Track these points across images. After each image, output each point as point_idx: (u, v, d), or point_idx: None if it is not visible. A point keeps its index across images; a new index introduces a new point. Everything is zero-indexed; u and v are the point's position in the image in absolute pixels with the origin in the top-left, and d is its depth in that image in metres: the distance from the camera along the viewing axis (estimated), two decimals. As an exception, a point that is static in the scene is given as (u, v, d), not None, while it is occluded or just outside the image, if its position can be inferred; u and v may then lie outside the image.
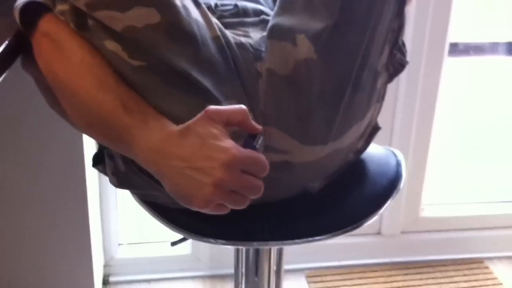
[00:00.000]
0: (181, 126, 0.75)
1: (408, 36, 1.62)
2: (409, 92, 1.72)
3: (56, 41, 0.80)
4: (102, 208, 1.73)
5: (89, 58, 0.79)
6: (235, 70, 0.84)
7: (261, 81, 0.84)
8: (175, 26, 0.79)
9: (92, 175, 1.57)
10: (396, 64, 0.94)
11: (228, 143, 0.73)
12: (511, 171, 2.23)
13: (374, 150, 1.05)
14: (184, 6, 0.80)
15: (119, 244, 1.83)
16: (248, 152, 0.73)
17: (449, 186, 2.23)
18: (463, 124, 2.74)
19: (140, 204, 0.97)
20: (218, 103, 0.80)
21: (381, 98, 0.96)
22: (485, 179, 2.26)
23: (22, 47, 0.84)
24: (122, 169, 0.90)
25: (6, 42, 0.81)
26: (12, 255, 1.59)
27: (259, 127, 0.76)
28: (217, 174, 0.71)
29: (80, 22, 0.79)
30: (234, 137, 0.75)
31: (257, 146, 0.76)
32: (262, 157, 0.74)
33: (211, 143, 0.72)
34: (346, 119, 0.88)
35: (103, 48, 0.79)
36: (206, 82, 0.81)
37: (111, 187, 0.93)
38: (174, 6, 0.79)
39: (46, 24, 0.82)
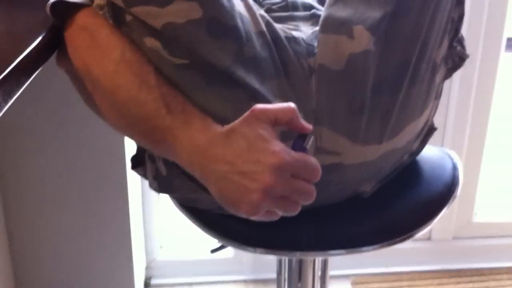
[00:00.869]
0: (226, 127, 0.71)
1: (463, 31, 1.55)
2: (463, 89, 1.66)
3: (94, 36, 0.77)
4: (144, 210, 1.71)
5: (129, 55, 0.75)
6: (282, 66, 0.79)
7: (314, 78, 0.79)
8: (218, 22, 0.74)
9: (134, 176, 1.55)
10: (456, 57, 0.88)
11: (277, 145, 0.67)
12: None
13: (428, 152, 0.99)
14: None
15: (161, 246, 1.80)
16: (298, 155, 0.68)
17: (504, 189, 2.13)
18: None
19: (179, 209, 0.93)
20: (265, 101, 0.75)
21: (439, 95, 0.90)
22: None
23: (58, 42, 0.81)
24: (164, 173, 0.87)
25: (41, 36, 0.78)
26: (52, 256, 1.58)
27: (310, 126, 0.70)
28: (266, 179, 0.66)
29: (118, 17, 0.75)
30: (283, 137, 0.70)
31: (308, 147, 0.70)
32: (314, 160, 0.69)
33: (258, 145, 0.67)
34: (402, 115, 0.82)
35: (143, 44, 0.75)
36: (252, 80, 0.76)
37: (153, 188, 0.91)
38: (217, 0, 0.74)
39: (84, 18, 0.78)
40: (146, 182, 0.94)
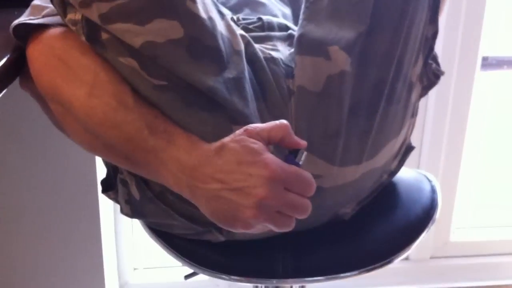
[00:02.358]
0: (214, 144, 0.69)
1: (438, 50, 1.55)
2: (439, 109, 1.65)
3: (63, 58, 0.73)
4: (116, 231, 1.67)
5: (103, 75, 0.72)
6: (260, 89, 0.77)
7: (293, 100, 0.77)
8: (199, 42, 0.71)
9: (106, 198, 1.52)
10: (431, 75, 0.87)
11: (269, 157, 0.66)
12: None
13: (407, 174, 0.99)
14: (210, 18, 0.72)
15: (134, 269, 1.76)
16: (291, 168, 0.67)
17: (481, 208, 2.13)
18: (496, 142, 2.63)
19: (151, 236, 0.90)
20: (247, 123, 0.73)
21: (415, 113, 0.89)
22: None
23: (22, 64, 0.78)
24: (137, 197, 0.83)
25: (5, 58, 0.75)
26: (22, 279, 1.54)
27: (304, 142, 0.70)
28: (259, 194, 0.65)
29: (92, 35, 0.72)
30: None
31: (300, 162, 0.69)
32: (307, 173, 0.68)
33: (249, 159, 0.66)
34: (381, 135, 0.81)
35: (118, 64, 0.72)
36: (234, 101, 0.73)
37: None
38: (199, 19, 0.71)
39: (50, 37, 0.75)
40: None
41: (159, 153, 0.70)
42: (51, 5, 0.77)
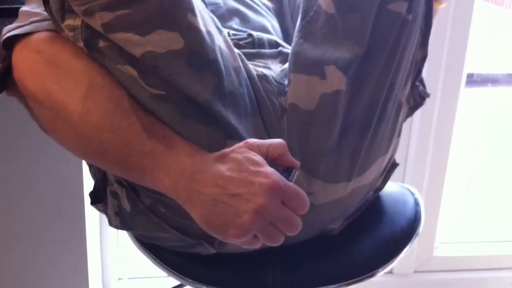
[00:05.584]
0: (216, 153, 0.70)
1: (424, 67, 1.57)
2: (423, 125, 1.67)
3: (53, 61, 0.73)
4: (101, 241, 1.67)
5: (99, 79, 0.72)
6: (256, 104, 0.78)
7: (286, 118, 0.78)
8: (199, 54, 0.72)
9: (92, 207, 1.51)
10: (417, 96, 0.89)
11: (270, 169, 0.68)
12: (528, 210, 2.14)
13: (390, 187, 1.00)
14: (209, 32, 0.73)
15: (119, 279, 1.75)
16: (291, 184, 0.69)
17: (464, 224, 2.15)
18: (480, 158, 2.66)
19: (138, 247, 0.90)
20: (240, 139, 0.73)
21: (400, 133, 0.90)
22: (502, 217, 2.18)
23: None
24: (127, 209, 0.83)
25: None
26: (6, 286, 1.52)
27: (298, 162, 0.72)
28: (259, 200, 0.66)
29: (90, 42, 0.72)
30: None
31: (293, 181, 0.71)
32: (304, 192, 0.70)
33: (250, 168, 0.67)
34: (370, 153, 0.83)
35: (116, 71, 0.72)
36: (229, 116, 0.74)
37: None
38: (199, 32, 0.72)
39: (37, 42, 0.74)
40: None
41: (157, 157, 0.70)
42: (37, 10, 0.77)
